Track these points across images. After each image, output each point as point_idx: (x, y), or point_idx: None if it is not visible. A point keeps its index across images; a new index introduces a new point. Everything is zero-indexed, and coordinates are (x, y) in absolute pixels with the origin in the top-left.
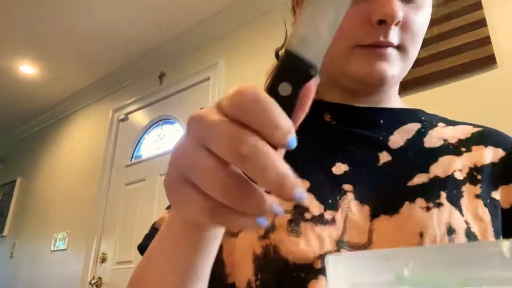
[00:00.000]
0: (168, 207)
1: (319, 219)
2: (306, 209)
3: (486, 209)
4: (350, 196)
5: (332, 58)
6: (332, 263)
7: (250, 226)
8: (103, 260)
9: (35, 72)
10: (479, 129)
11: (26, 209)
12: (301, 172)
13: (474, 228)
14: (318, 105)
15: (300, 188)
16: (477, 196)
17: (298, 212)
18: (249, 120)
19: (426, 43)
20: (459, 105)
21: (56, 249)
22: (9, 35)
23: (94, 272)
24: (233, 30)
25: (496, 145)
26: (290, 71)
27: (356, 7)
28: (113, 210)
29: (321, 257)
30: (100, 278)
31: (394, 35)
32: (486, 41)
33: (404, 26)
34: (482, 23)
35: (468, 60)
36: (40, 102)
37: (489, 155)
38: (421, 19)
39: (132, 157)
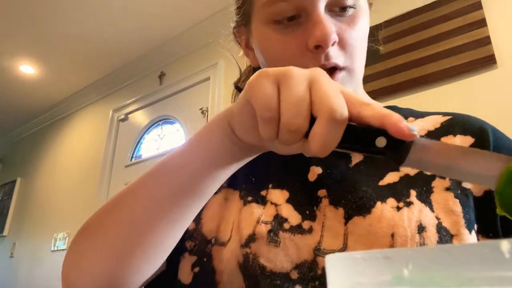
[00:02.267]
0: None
1: (297, 229)
2: (285, 220)
3: (457, 200)
4: (325, 202)
5: None
6: (332, 263)
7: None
8: None
9: (35, 72)
10: (448, 117)
11: (26, 209)
12: (280, 181)
13: (446, 222)
14: None
15: None
16: (447, 189)
17: (277, 222)
18: None
19: (426, 43)
20: (459, 105)
21: (56, 249)
22: (9, 35)
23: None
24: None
25: (464, 132)
26: (398, 141)
27: (289, 36)
28: None
29: (298, 267)
30: None
31: (336, 55)
32: (486, 41)
33: (342, 44)
34: (482, 23)
35: (468, 60)
36: (40, 102)
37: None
38: (357, 31)
39: (132, 157)
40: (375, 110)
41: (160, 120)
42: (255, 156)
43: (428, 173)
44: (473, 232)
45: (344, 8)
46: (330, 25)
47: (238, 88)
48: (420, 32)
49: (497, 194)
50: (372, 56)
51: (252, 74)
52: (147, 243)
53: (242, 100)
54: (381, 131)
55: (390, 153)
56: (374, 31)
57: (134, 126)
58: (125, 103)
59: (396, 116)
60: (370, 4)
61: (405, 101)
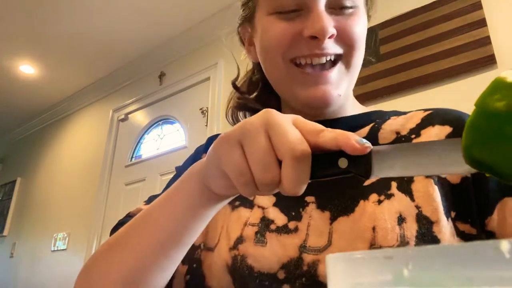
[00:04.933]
0: (147, 200)
1: (283, 229)
2: (272, 221)
3: (436, 187)
4: (312, 206)
5: (277, 80)
6: (332, 263)
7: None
8: None
9: (35, 72)
10: (429, 112)
11: (26, 209)
12: None
13: (426, 209)
14: None
15: None
16: (427, 176)
17: (264, 224)
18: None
19: (426, 43)
20: (459, 105)
21: (56, 249)
22: (9, 35)
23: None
24: (233, 30)
25: (443, 123)
26: (357, 159)
27: (288, 23)
28: (113, 210)
29: (284, 266)
30: None
31: (330, 46)
32: (486, 41)
33: (342, 37)
34: (482, 23)
35: (468, 60)
36: (40, 102)
37: (436, 133)
38: (357, 26)
39: (132, 157)
40: (329, 135)
41: (160, 120)
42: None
43: (401, 176)
44: (449, 219)
45: (343, 8)
46: (329, 20)
47: (236, 86)
48: (420, 32)
49: (464, 147)
50: (372, 56)
51: (252, 74)
52: (140, 285)
53: (212, 166)
54: (341, 152)
55: (355, 170)
56: (369, 42)
57: (134, 126)
58: (125, 103)
59: (347, 135)
60: (369, 16)
61: (405, 101)
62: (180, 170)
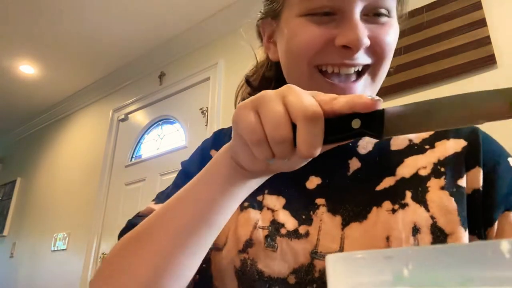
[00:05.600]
0: (156, 199)
1: (293, 234)
2: (282, 225)
3: (452, 199)
4: (322, 209)
5: (298, 84)
6: (332, 263)
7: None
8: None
9: (35, 72)
10: None
11: (26, 209)
12: (276, 189)
13: (441, 221)
14: None
15: None
16: (442, 188)
17: (274, 228)
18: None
19: (426, 43)
20: None
21: (56, 249)
22: (9, 35)
23: (94, 272)
24: (233, 30)
25: (457, 136)
26: (369, 116)
27: (320, 28)
28: (113, 210)
29: (295, 271)
30: None
31: (360, 57)
32: (486, 41)
33: (375, 47)
34: (482, 23)
35: (468, 60)
36: (40, 102)
37: (452, 146)
38: (390, 37)
39: (132, 157)
40: (343, 99)
41: (160, 120)
42: (264, 180)
43: (424, 174)
44: (467, 230)
45: (378, 15)
46: (364, 29)
47: (249, 82)
48: (420, 32)
49: None
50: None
51: (266, 69)
52: (172, 274)
53: (234, 135)
54: (355, 115)
55: (368, 130)
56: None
57: (134, 126)
58: (125, 103)
59: (359, 95)
60: (401, 17)
61: (405, 101)
62: (186, 164)
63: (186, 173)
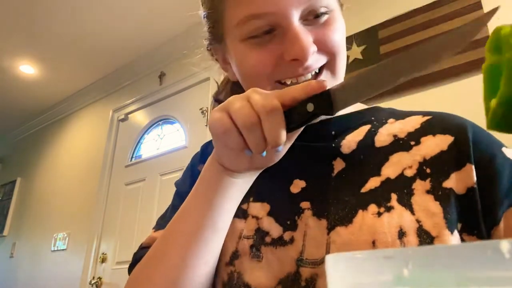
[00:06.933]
0: (156, 226)
1: (278, 241)
2: (267, 233)
3: (437, 202)
4: (307, 213)
5: None
6: (332, 263)
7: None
8: (103, 260)
9: (35, 72)
10: (428, 117)
11: (26, 209)
12: (261, 195)
13: (427, 224)
14: None
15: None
16: (428, 192)
17: (259, 236)
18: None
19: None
20: (460, 105)
21: (56, 249)
22: (9, 35)
23: (94, 272)
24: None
25: (443, 131)
26: (319, 97)
27: (265, 49)
28: (113, 210)
29: (281, 282)
30: (100, 278)
31: (315, 61)
32: (486, 41)
33: (323, 48)
34: None
35: (468, 60)
36: (40, 102)
37: (437, 144)
38: (335, 33)
39: (132, 157)
40: (299, 86)
41: (160, 120)
42: (254, 179)
43: (410, 174)
44: (455, 232)
45: (318, 16)
46: (308, 38)
47: (218, 100)
48: (420, 32)
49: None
50: (372, 56)
51: (231, 87)
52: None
53: (214, 139)
54: (308, 100)
55: (320, 109)
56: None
57: (134, 126)
58: (125, 103)
59: (309, 82)
60: (342, 5)
61: (405, 101)
62: (179, 185)
63: (180, 194)
